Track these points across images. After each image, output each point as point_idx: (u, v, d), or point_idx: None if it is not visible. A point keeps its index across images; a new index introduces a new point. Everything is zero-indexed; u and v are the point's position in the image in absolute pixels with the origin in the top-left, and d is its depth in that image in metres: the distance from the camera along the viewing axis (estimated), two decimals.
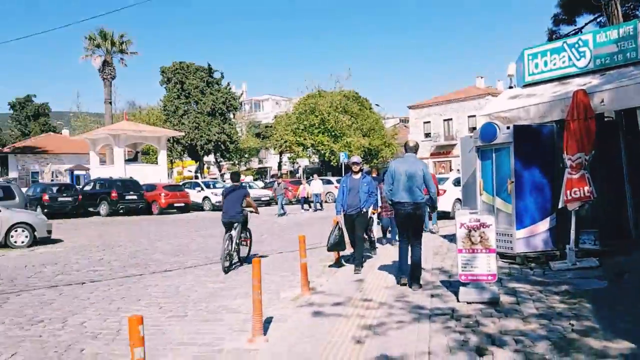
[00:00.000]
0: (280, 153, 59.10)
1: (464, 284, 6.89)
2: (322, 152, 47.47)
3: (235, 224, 10.32)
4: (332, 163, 47.85)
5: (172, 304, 7.65)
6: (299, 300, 7.48)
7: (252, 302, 5.69)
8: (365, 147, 48.29)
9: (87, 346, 5.80)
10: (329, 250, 10.04)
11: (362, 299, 7.24)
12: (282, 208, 23.77)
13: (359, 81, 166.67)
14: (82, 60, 44.44)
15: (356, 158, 9.84)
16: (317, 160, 55.45)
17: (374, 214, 11.35)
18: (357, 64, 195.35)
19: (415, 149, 8.09)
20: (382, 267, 9.61)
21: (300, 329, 6.00)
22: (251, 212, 10.97)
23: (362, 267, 9.54)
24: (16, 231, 14.50)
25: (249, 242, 11.14)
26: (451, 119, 55.64)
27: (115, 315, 7.09)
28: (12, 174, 47.14)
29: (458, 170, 21.83)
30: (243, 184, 15.34)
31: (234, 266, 10.32)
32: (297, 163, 56.09)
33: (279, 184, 24.79)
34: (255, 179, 49.60)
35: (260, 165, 71.68)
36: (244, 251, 10.94)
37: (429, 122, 57.76)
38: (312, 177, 29.51)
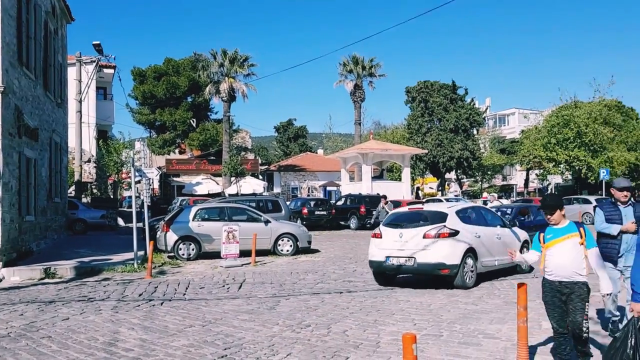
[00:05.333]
0: (528, 169, 55.65)
1: None
2: (578, 168, 43.14)
3: None
4: (589, 180, 43.13)
5: (426, 321, 7.64)
6: None
7: (517, 330, 5.34)
8: (631, 162, 42.41)
9: (350, 355, 6.10)
10: None
11: None
12: None
13: (624, 89, 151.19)
14: (336, 85, 48.19)
15: (624, 182, 6.54)
16: (569, 177, 50.65)
17: None
18: (618, 68, 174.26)
19: None
20: None
21: None
22: None
23: None
24: (282, 240, 16.24)
25: None
26: None
27: (374, 327, 7.35)
28: (276, 189, 53.27)
29: None
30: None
31: None
32: (547, 180, 51.82)
33: (383, 206, 18.93)
34: (499, 197, 47.43)
35: (505, 183, 68.68)
36: None
37: None
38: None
